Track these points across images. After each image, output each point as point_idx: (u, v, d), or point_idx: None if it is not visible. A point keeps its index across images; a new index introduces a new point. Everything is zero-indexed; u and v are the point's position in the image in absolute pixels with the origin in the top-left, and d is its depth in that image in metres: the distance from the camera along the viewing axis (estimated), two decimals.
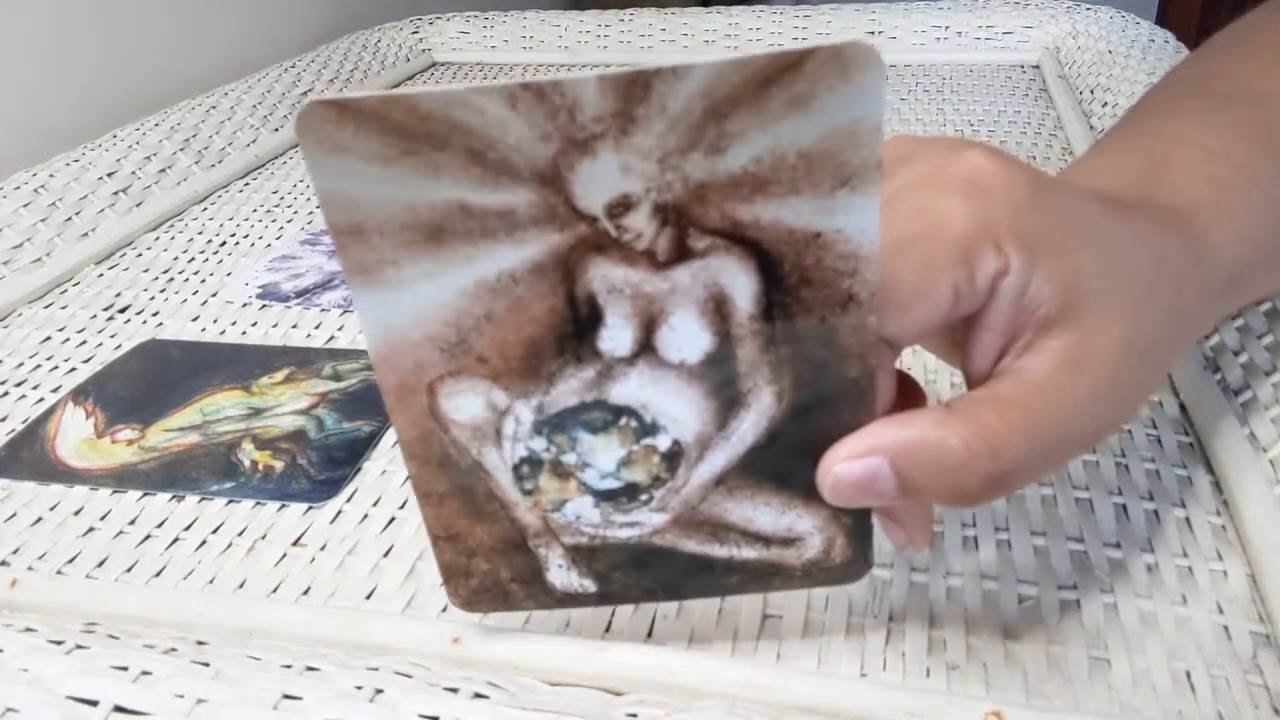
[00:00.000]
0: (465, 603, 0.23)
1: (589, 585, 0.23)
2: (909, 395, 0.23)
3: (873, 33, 0.82)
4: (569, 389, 0.20)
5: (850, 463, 0.20)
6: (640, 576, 0.23)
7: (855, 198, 0.18)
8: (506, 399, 0.20)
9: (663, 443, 0.21)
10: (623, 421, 0.21)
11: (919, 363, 0.38)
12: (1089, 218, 0.21)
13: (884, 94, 0.17)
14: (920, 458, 0.20)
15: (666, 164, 0.18)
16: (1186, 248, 0.23)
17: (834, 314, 0.19)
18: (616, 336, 0.20)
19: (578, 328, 0.20)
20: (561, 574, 0.23)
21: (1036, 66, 0.78)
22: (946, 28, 0.81)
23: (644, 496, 0.22)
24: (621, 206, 0.18)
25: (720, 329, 0.20)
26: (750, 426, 0.21)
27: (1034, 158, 0.59)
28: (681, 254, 0.19)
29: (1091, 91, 0.65)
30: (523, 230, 0.18)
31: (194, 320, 0.45)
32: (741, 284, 0.19)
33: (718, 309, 0.19)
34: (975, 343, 0.21)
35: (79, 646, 0.23)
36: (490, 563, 0.23)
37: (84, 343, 0.44)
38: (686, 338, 0.20)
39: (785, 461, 0.21)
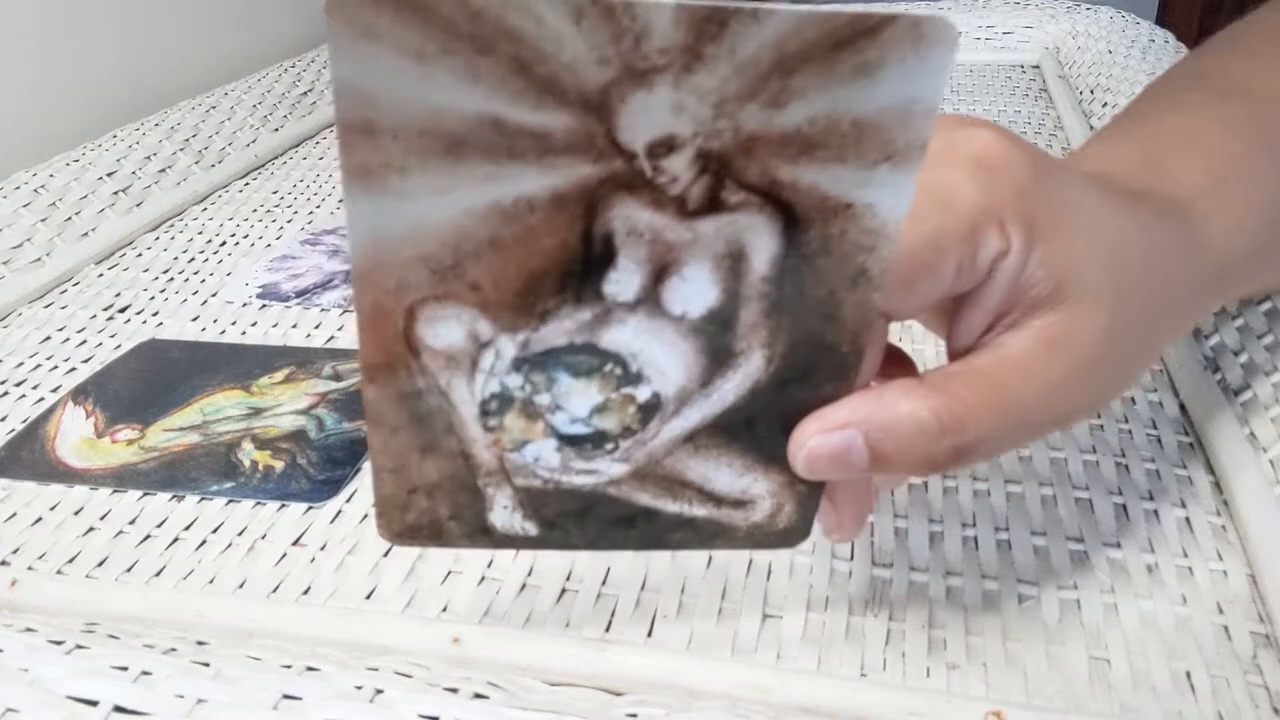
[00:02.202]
0: (396, 535, 0.23)
1: (530, 529, 0.23)
2: (898, 365, 0.23)
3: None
4: (560, 328, 0.20)
5: (825, 436, 0.21)
6: (584, 525, 0.23)
7: (894, 174, 0.18)
8: (491, 331, 0.19)
9: (642, 394, 0.21)
10: (607, 368, 0.20)
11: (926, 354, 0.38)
12: (1088, 203, 0.21)
13: (949, 73, 0.17)
14: (893, 430, 0.20)
15: (722, 110, 0.17)
16: (1182, 238, 0.23)
17: (843, 286, 0.19)
18: (624, 280, 0.19)
19: (586, 266, 0.19)
20: (505, 515, 0.22)
21: (1036, 66, 0.78)
22: None
23: (609, 445, 0.21)
24: (664, 147, 0.17)
25: (730, 287, 0.19)
26: (733, 387, 0.21)
27: None
28: (713, 205, 0.18)
29: (1091, 91, 0.65)
30: (554, 156, 0.17)
31: (194, 320, 0.45)
32: (764, 244, 0.19)
33: (733, 266, 0.19)
34: (964, 319, 0.21)
35: (79, 646, 0.23)
36: (431, 499, 0.22)
37: (84, 343, 0.44)
38: (694, 291, 0.19)
39: (756, 425, 0.21)
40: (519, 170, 0.17)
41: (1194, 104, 0.29)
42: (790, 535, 0.23)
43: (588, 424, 0.21)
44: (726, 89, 0.17)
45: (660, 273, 0.19)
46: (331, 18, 0.15)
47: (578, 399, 0.20)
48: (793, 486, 0.22)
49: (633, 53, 0.16)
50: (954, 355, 0.22)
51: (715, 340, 0.20)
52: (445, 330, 0.19)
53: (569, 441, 0.21)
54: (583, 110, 0.17)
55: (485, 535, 0.23)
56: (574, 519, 0.22)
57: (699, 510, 0.22)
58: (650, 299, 0.19)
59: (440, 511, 0.22)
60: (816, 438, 0.21)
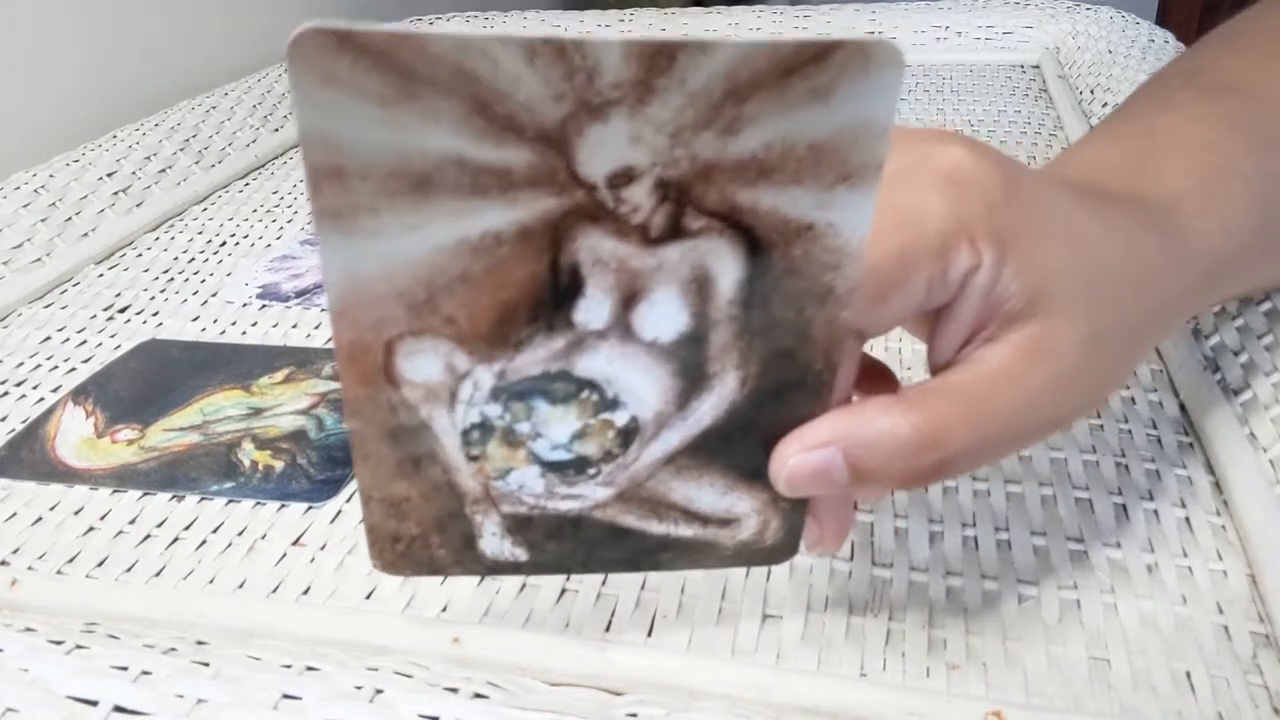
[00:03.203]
0: (388, 565, 0.23)
1: (520, 554, 0.23)
2: (879, 380, 0.23)
3: (873, 32, 0.82)
4: (535, 358, 0.20)
5: (805, 454, 0.21)
6: (572, 548, 0.23)
7: (853, 194, 0.18)
8: (468, 363, 0.20)
9: (620, 418, 0.21)
10: (584, 394, 0.20)
11: (920, 361, 0.38)
12: (1062, 213, 0.21)
13: (899, 95, 0.17)
14: (872, 446, 0.20)
15: (678, 140, 0.17)
16: (1165, 242, 0.23)
17: (811, 305, 0.20)
18: (594, 308, 0.19)
19: (555, 296, 0.19)
20: (494, 542, 0.23)
21: (1036, 66, 0.78)
22: (946, 28, 0.81)
23: (592, 470, 0.22)
24: (624, 177, 0.18)
25: (699, 310, 0.20)
26: (710, 409, 0.21)
27: (1034, 159, 0.59)
28: (675, 232, 0.19)
29: (1091, 91, 0.65)
30: (517, 191, 0.18)
31: (194, 320, 0.45)
32: (728, 268, 0.19)
33: (700, 290, 0.19)
34: (941, 333, 0.22)
35: (79, 646, 0.23)
36: (421, 527, 0.22)
37: (84, 343, 0.44)
38: (663, 316, 0.20)
39: (735, 445, 0.21)
40: (484, 206, 0.18)
41: (1185, 102, 0.29)
42: (779, 552, 0.23)
43: (569, 450, 0.21)
44: (681, 119, 0.17)
45: (629, 299, 0.19)
46: (293, 64, 0.16)
47: (557, 426, 0.21)
48: (777, 503, 0.22)
49: (586, 88, 0.16)
50: (934, 369, 0.22)
51: (688, 363, 0.20)
52: (423, 363, 0.20)
53: (552, 467, 0.21)
54: (542, 145, 0.17)
55: (476, 563, 0.23)
56: (562, 543, 0.23)
57: (685, 530, 0.23)
58: (621, 325, 0.20)
59: (431, 540, 0.23)
60: (797, 456, 0.21)
